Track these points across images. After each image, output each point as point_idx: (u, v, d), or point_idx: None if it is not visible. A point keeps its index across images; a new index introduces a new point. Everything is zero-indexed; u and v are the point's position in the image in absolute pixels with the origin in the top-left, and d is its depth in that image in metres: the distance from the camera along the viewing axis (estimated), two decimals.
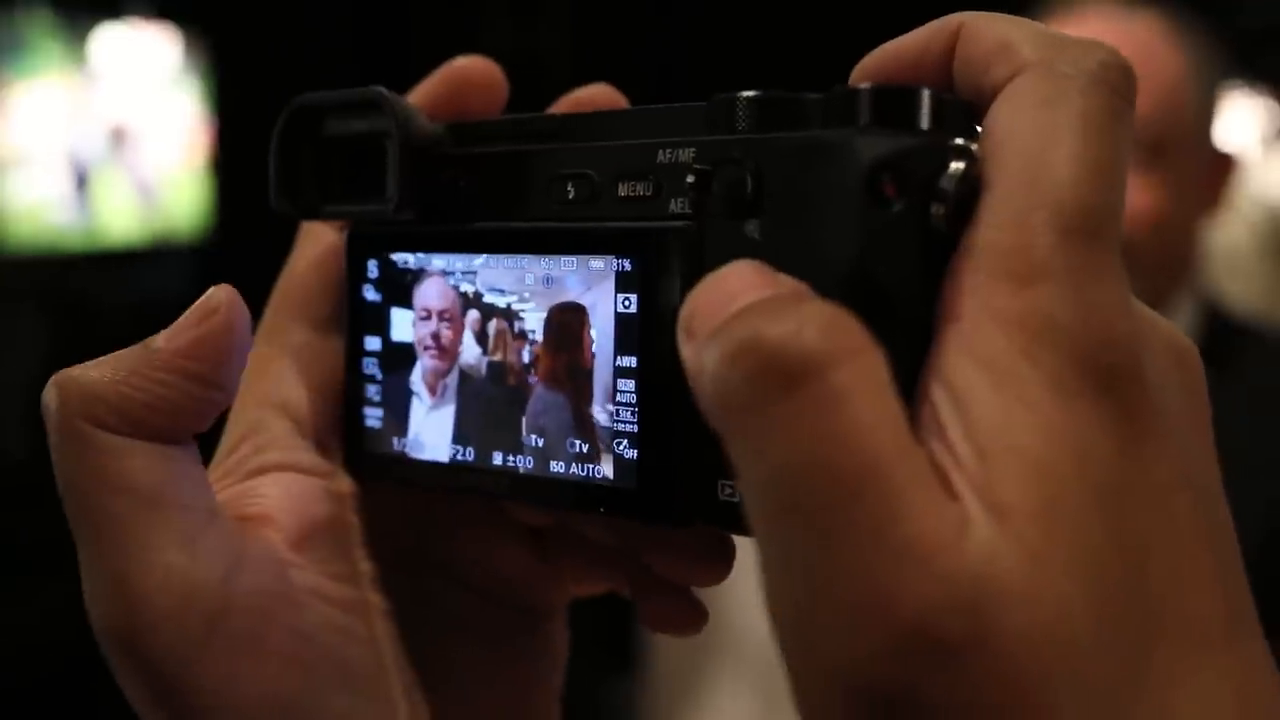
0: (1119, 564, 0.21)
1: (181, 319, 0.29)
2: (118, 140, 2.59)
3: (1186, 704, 0.21)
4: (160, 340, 0.29)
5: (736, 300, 0.22)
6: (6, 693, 2.03)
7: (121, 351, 0.28)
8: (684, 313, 0.24)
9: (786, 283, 0.23)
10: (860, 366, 0.21)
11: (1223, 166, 1.09)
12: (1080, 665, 0.20)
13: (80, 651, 0.29)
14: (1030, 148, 0.23)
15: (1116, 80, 0.24)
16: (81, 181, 2.53)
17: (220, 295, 0.29)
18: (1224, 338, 1.06)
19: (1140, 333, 0.22)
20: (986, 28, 0.25)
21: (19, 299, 2.45)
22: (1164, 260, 1.03)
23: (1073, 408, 0.21)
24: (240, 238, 2.84)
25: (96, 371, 0.28)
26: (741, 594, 0.86)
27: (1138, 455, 0.21)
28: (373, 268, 0.33)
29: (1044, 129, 0.23)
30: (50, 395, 0.28)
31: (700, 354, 0.22)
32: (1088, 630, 0.20)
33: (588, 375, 0.29)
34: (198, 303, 0.29)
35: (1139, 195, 1.00)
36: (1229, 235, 1.52)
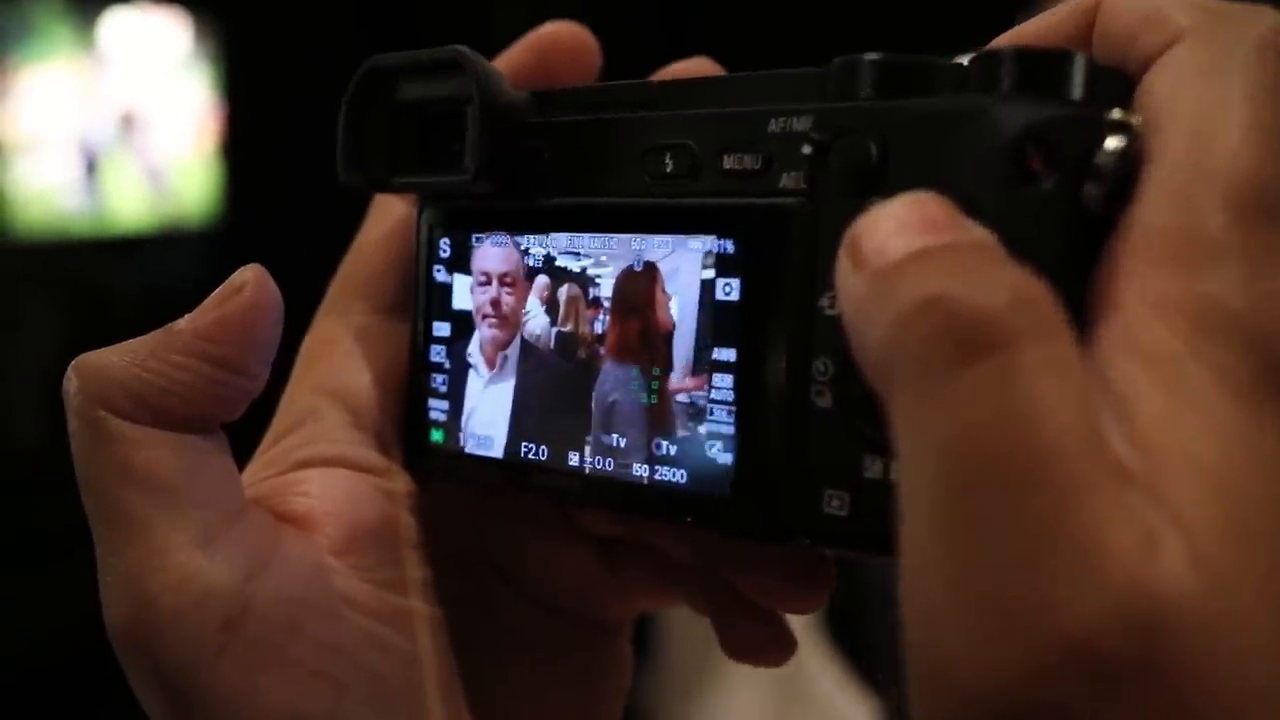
0: None
1: (206, 300, 0.27)
2: (127, 126, 2.58)
3: None
4: (182, 322, 0.27)
5: (916, 236, 0.20)
6: (21, 679, 2.03)
7: (144, 336, 0.27)
8: (852, 234, 0.21)
9: (977, 232, 0.21)
10: (1053, 346, 0.19)
11: None
12: (1267, 704, 0.18)
13: (96, 642, 0.28)
14: (1195, 119, 0.21)
15: None
16: (91, 167, 2.52)
17: (247, 274, 0.27)
18: None
19: None
20: None
21: (28, 284, 2.45)
22: None
23: (1249, 410, 0.19)
24: (250, 223, 2.85)
25: (115, 356, 0.27)
26: None
27: None
28: (445, 246, 0.31)
29: (1210, 99, 0.21)
30: (70, 381, 0.27)
31: (870, 289, 0.20)
32: (1275, 666, 0.18)
33: (669, 352, 0.26)
34: (224, 284, 0.27)
35: None
36: None
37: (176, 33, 2.65)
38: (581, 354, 0.28)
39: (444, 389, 0.31)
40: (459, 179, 0.29)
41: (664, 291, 0.26)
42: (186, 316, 0.27)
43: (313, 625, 0.27)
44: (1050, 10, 0.24)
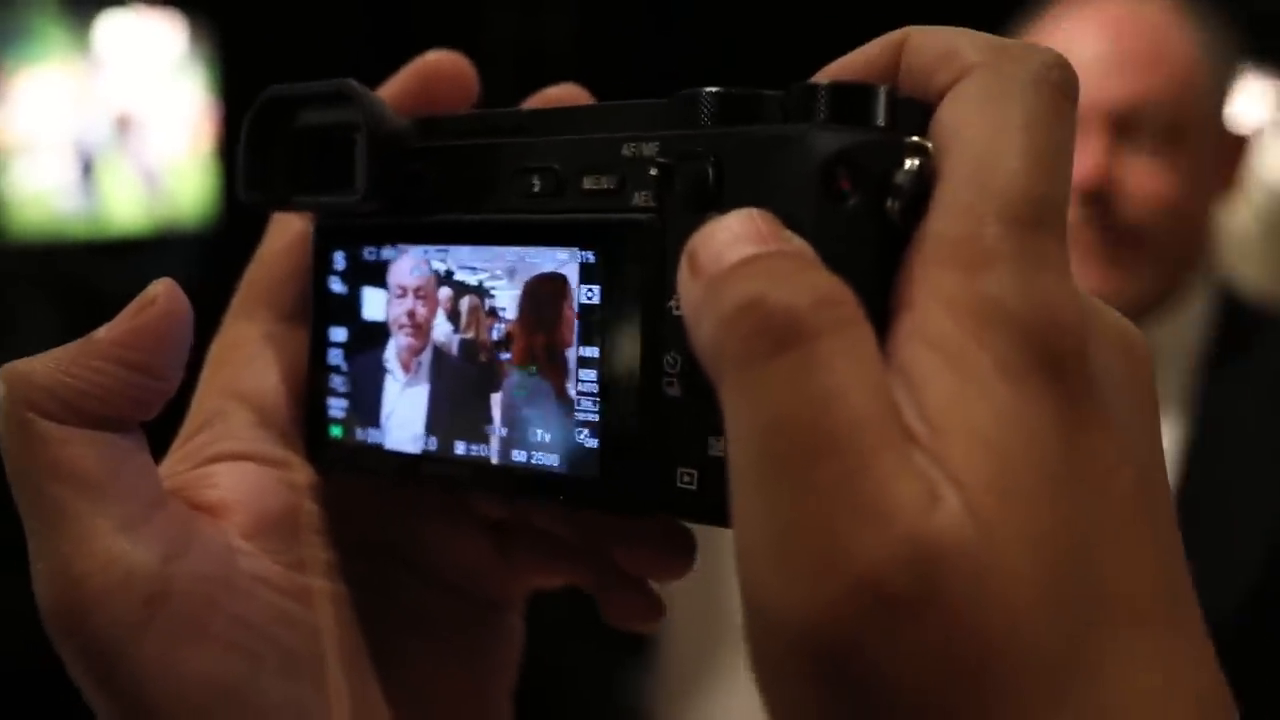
0: (1065, 540, 0.22)
1: (122, 311, 0.30)
2: (123, 128, 2.58)
3: (1120, 679, 0.22)
4: (101, 331, 0.29)
5: (745, 246, 0.23)
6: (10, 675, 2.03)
7: (67, 344, 0.29)
8: (691, 246, 0.24)
9: (793, 241, 0.24)
10: (850, 338, 0.22)
11: (1236, 149, 1.08)
12: (1025, 635, 0.21)
13: (39, 640, 0.29)
14: (978, 142, 0.24)
15: (1058, 78, 0.25)
16: (86, 169, 2.53)
17: (159, 287, 0.30)
18: (1239, 323, 1.05)
19: (1087, 320, 0.23)
20: (931, 36, 0.26)
21: (24, 287, 2.45)
22: (1179, 244, 1.02)
23: (1021, 389, 0.22)
24: (245, 226, 2.85)
25: (40, 362, 0.29)
26: None
27: (1082, 436, 0.23)
28: (339, 259, 0.33)
29: (991, 124, 0.24)
30: None
31: (703, 294, 0.23)
32: (1034, 602, 0.21)
33: (563, 355, 0.29)
34: (138, 296, 0.30)
35: (1154, 179, 0.99)
36: (1237, 218, 1.51)
37: (171, 35, 2.65)
38: (482, 357, 0.30)
39: (343, 389, 0.33)
40: (350, 199, 0.32)
41: (570, 304, 0.29)
42: (105, 326, 0.30)
43: (227, 601, 0.29)
44: (864, 46, 0.27)
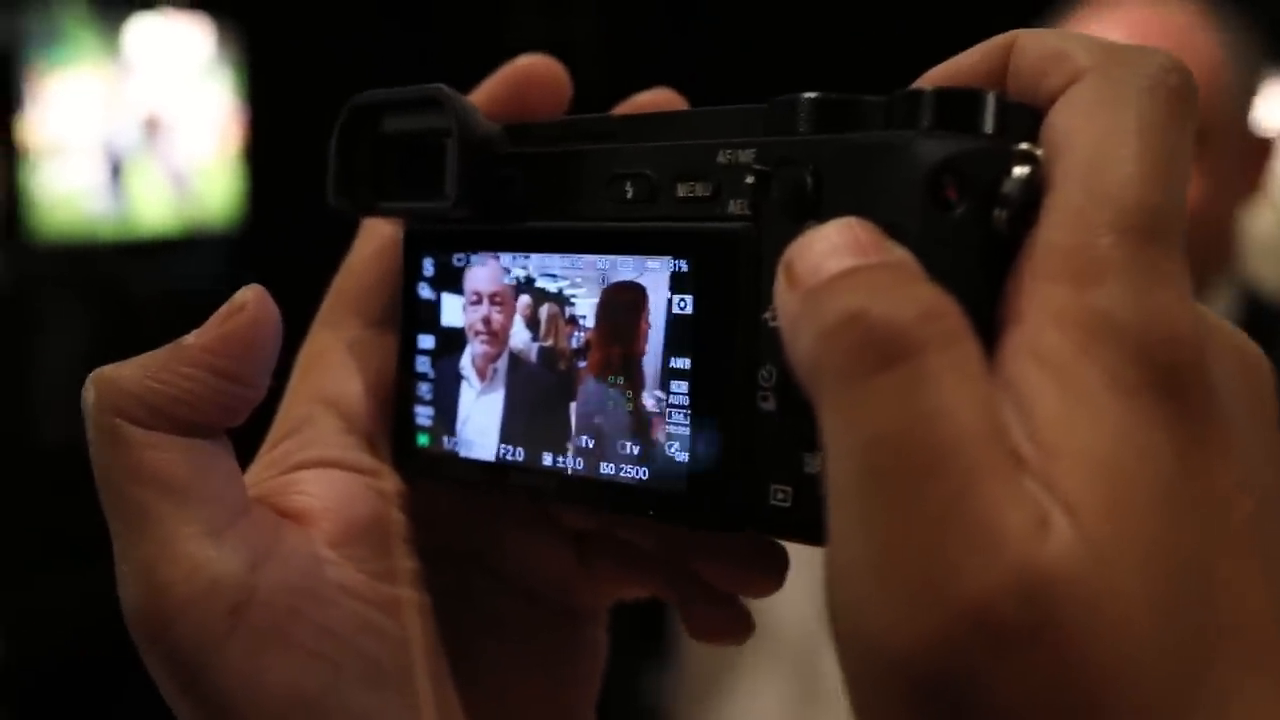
0: (1181, 568, 0.21)
1: (211, 318, 0.30)
2: (152, 130, 2.60)
3: (1239, 713, 0.21)
4: (189, 338, 0.29)
5: (845, 257, 0.23)
6: (46, 676, 2.05)
7: (156, 350, 0.29)
8: (788, 256, 0.24)
9: (895, 252, 0.23)
10: (957, 354, 0.21)
11: (1261, 152, 1.07)
12: (1141, 668, 0.20)
13: (120, 638, 0.29)
14: (1091, 149, 0.23)
15: (1175, 83, 0.24)
16: (116, 171, 2.55)
17: (247, 294, 0.30)
18: (1263, 326, 1.05)
19: (1204, 335, 0.22)
20: (1040, 39, 0.25)
21: (54, 288, 2.48)
22: (1205, 247, 1.02)
23: (1134, 407, 0.21)
24: (272, 227, 2.86)
25: (128, 369, 0.29)
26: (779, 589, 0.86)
27: (1199, 457, 0.21)
28: (428, 265, 0.33)
29: (1104, 131, 0.23)
30: (88, 392, 0.29)
31: (801, 306, 0.23)
32: (1150, 634, 0.20)
33: (640, 366, 0.28)
34: (227, 302, 0.30)
35: None
36: (1260, 222, 1.50)
37: (200, 38, 2.67)
38: (561, 365, 0.30)
39: (429, 396, 0.33)
40: (441, 205, 0.32)
41: (647, 315, 0.28)
42: (194, 332, 0.29)
43: (312, 611, 0.29)
44: (970, 50, 0.26)
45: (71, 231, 2.48)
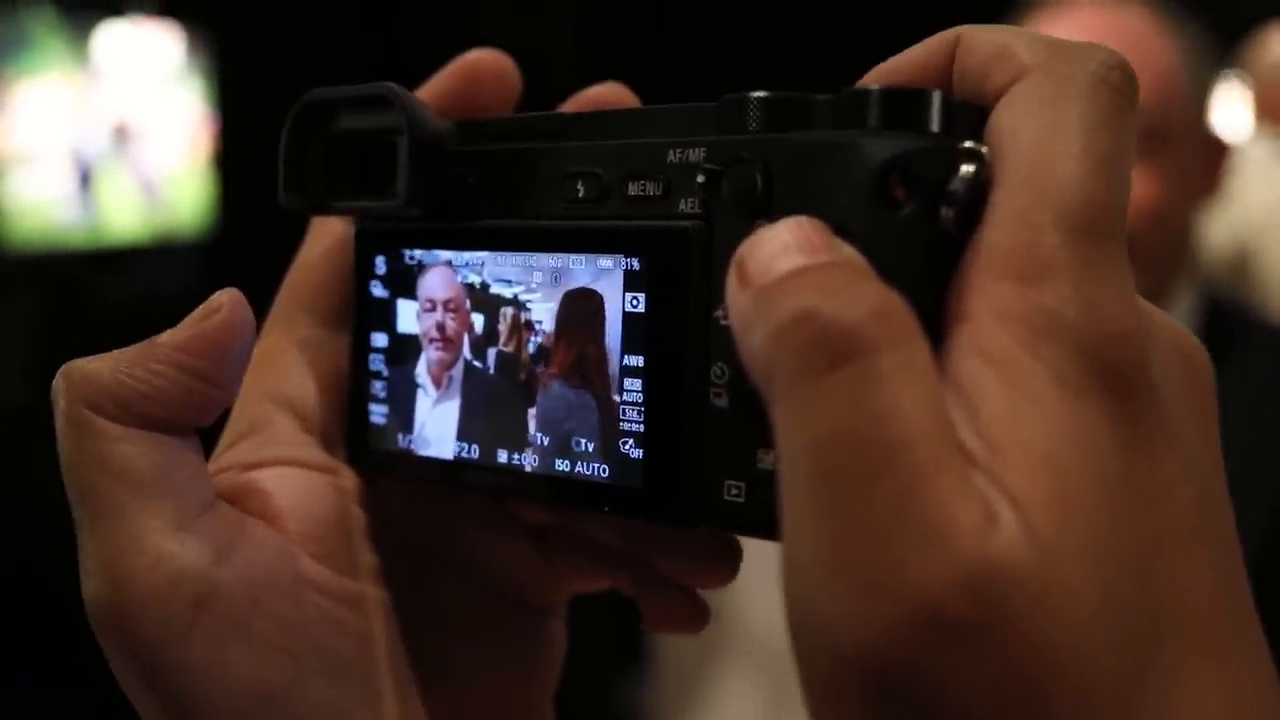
0: (1125, 558, 0.21)
1: (186, 318, 0.30)
2: (121, 138, 2.59)
3: (1182, 703, 0.21)
4: (163, 336, 0.30)
5: (795, 256, 0.23)
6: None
7: (129, 347, 0.29)
8: (739, 255, 0.24)
9: (845, 251, 0.23)
10: (906, 352, 0.22)
11: (1218, 155, 1.09)
12: (1087, 658, 0.20)
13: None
14: (1034, 147, 0.23)
15: (1117, 80, 0.24)
16: (85, 179, 2.53)
17: (224, 297, 0.30)
18: (1224, 328, 1.06)
19: (1146, 331, 0.22)
20: (985, 36, 0.25)
21: (23, 296, 2.46)
22: (1163, 250, 1.03)
23: (1078, 403, 0.21)
24: (243, 235, 2.85)
25: (101, 363, 0.29)
26: (750, 592, 0.86)
27: (1142, 451, 0.22)
28: (380, 264, 0.33)
29: (1047, 128, 0.23)
30: (57, 384, 0.29)
31: (753, 305, 0.23)
32: (1095, 624, 0.21)
33: (600, 368, 0.28)
34: (203, 304, 0.30)
35: (1135, 185, 1.00)
36: (1215, 237, 1.51)
37: (169, 45, 2.66)
38: (517, 368, 0.30)
39: (383, 394, 0.33)
40: (392, 203, 0.32)
41: (605, 319, 0.29)
42: (168, 331, 0.29)
43: (275, 604, 0.29)
44: (915, 46, 0.26)
45: (40, 240, 2.46)
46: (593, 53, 2.49)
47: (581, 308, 0.29)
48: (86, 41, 2.53)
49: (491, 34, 2.72)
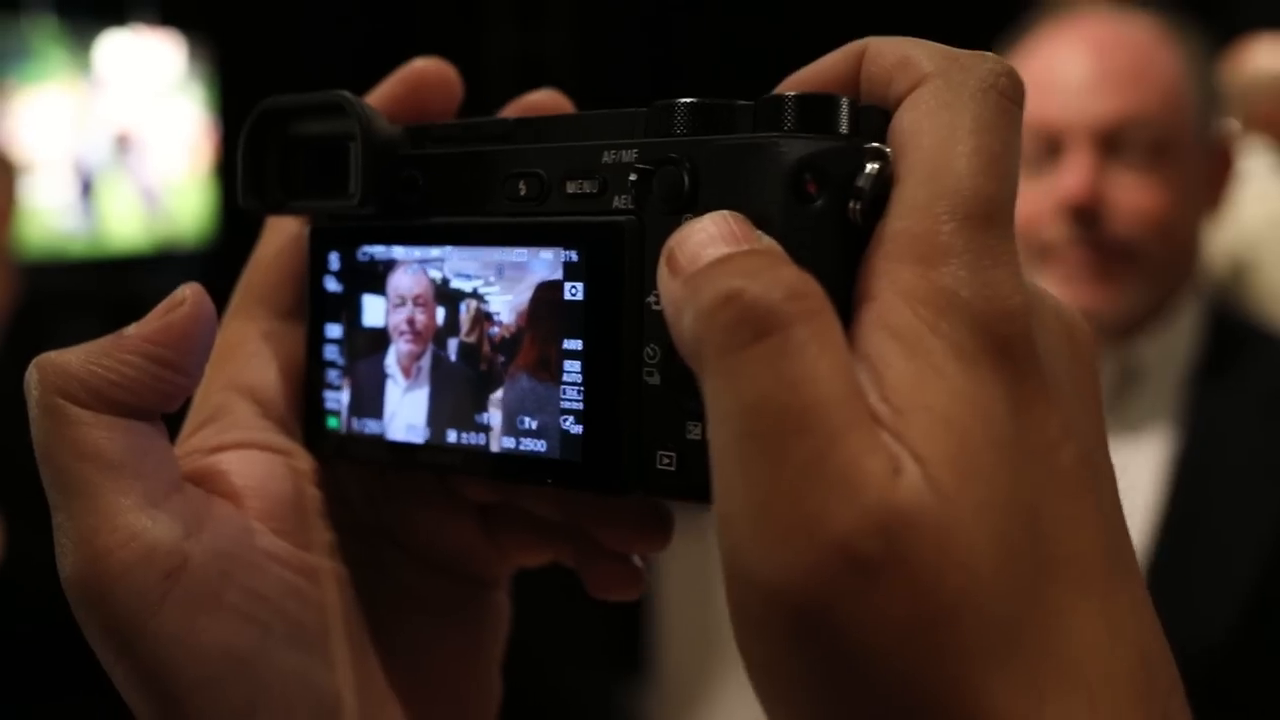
0: (1016, 508, 0.24)
1: (152, 311, 0.31)
2: (122, 146, 2.60)
3: (1069, 634, 0.24)
4: (131, 328, 0.31)
5: (720, 245, 0.25)
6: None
7: (98, 339, 0.31)
8: (669, 245, 0.26)
9: (764, 240, 0.26)
10: (818, 326, 0.24)
11: (1223, 165, 1.09)
12: (981, 594, 0.23)
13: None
14: (931, 146, 0.26)
15: (1005, 85, 0.27)
16: (86, 188, 2.54)
17: (187, 291, 0.32)
18: (1229, 338, 1.06)
19: (1032, 307, 0.25)
20: (889, 47, 0.28)
21: (24, 304, 2.46)
22: (1169, 260, 1.03)
23: (974, 372, 0.24)
24: (244, 243, 2.85)
25: (72, 354, 0.31)
26: None
27: (1030, 413, 0.24)
28: (334, 260, 0.35)
29: (944, 129, 0.26)
30: (30, 374, 0.31)
31: (683, 289, 0.25)
32: (988, 564, 0.23)
33: (538, 349, 0.31)
34: (168, 297, 0.31)
35: (1142, 195, 1.00)
36: (1217, 250, 1.51)
37: (171, 55, 2.67)
38: (479, 358, 0.32)
39: (338, 382, 0.35)
40: (346, 203, 0.34)
41: (544, 300, 0.31)
42: (135, 324, 0.31)
43: (242, 576, 0.31)
44: (827, 56, 0.29)
45: (42, 249, 2.46)
46: (592, 62, 2.49)
47: (540, 297, 0.31)
48: (88, 51, 2.54)
49: (493, 44, 2.73)
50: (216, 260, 2.68)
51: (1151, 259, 1.02)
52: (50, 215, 2.47)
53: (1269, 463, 1.00)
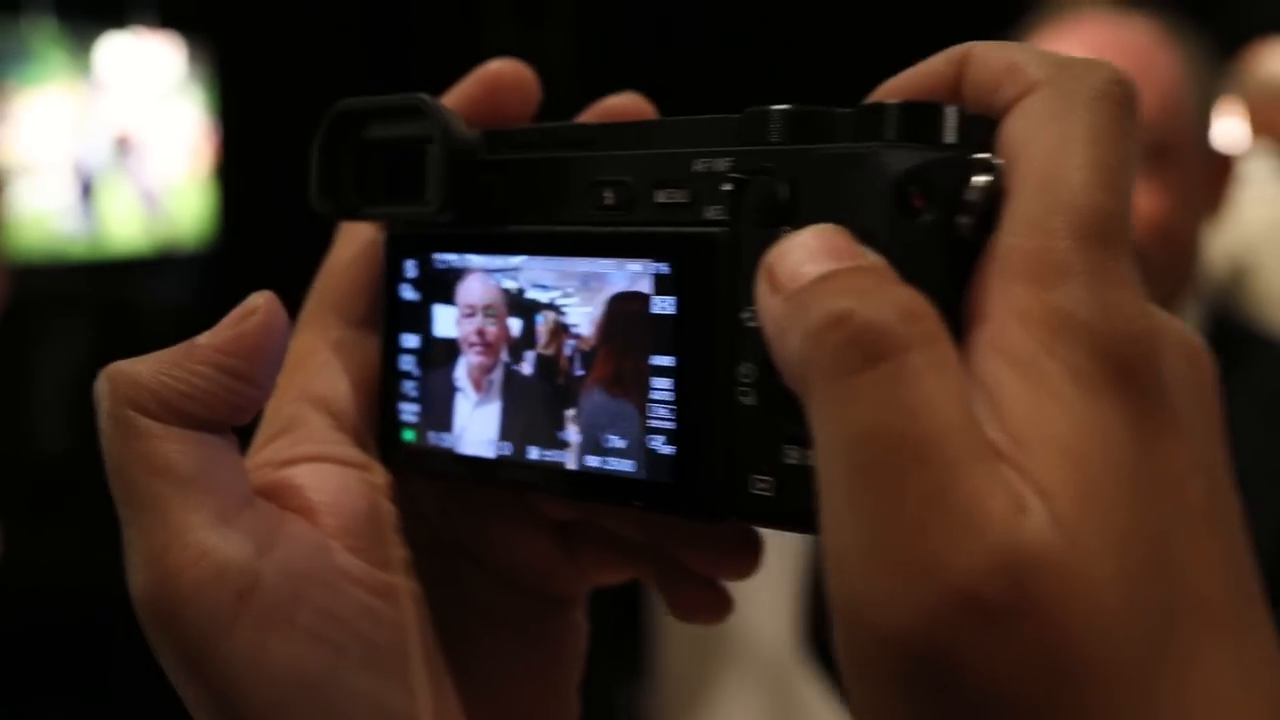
0: (1146, 547, 0.22)
1: (224, 319, 0.31)
2: (122, 149, 2.60)
3: (1199, 683, 0.22)
4: (203, 338, 0.30)
5: (823, 262, 0.24)
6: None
7: (169, 349, 0.30)
8: (768, 260, 0.25)
9: (871, 257, 0.24)
10: (935, 352, 0.23)
11: (1223, 169, 1.09)
12: (1113, 640, 0.22)
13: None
14: (1045, 158, 0.24)
15: (1120, 94, 0.25)
16: (87, 190, 2.54)
17: (259, 299, 0.31)
18: (1230, 342, 1.06)
19: (1154, 330, 0.24)
20: (994, 53, 0.27)
21: (25, 307, 2.46)
22: (1170, 264, 1.03)
23: (1095, 399, 0.23)
24: (244, 245, 2.86)
25: (142, 364, 0.30)
26: (752, 601, 0.87)
27: (1155, 445, 0.23)
28: (410, 268, 0.34)
29: (1057, 140, 0.25)
30: (101, 385, 0.30)
31: (785, 308, 0.24)
32: (1120, 608, 0.22)
33: (634, 368, 0.29)
34: (240, 305, 0.31)
35: (1142, 199, 1.00)
36: (1216, 255, 1.50)
37: (171, 57, 2.67)
38: (555, 371, 0.31)
39: (414, 393, 0.34)
40: (424, 209, 0.33)
41: (632, 313, 0.30)
42: (207, 333, 0.30)
43: (315, 595, 0.30)
44: (926, 61, 0.28)
45: (42, 251, 2.46)
46: (594, 63, 2.50)
47: (625, 310, 0.30)
48: (88, 53, 2.54)
49: (493, 45, 2.73)
50: (217, 263, 2.68)
51: (1151, 263, 1.02)
52: (50, 217, 2.47)
53: (1269, 466, 1.00)
